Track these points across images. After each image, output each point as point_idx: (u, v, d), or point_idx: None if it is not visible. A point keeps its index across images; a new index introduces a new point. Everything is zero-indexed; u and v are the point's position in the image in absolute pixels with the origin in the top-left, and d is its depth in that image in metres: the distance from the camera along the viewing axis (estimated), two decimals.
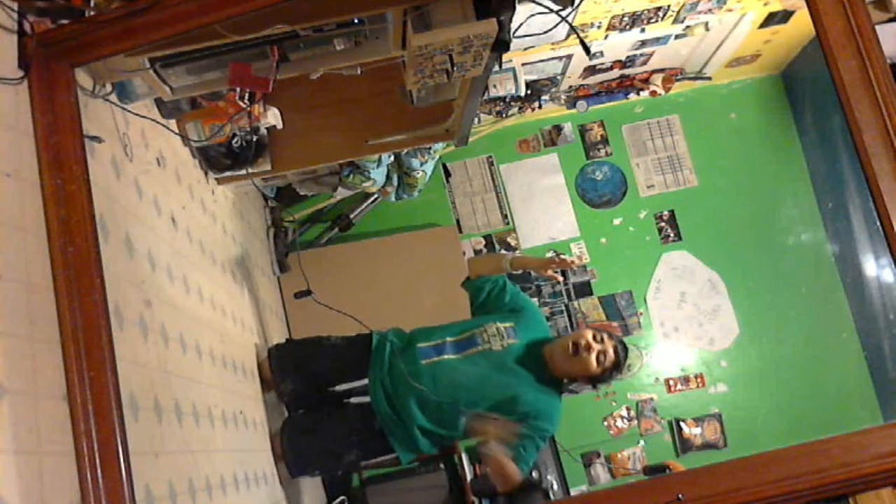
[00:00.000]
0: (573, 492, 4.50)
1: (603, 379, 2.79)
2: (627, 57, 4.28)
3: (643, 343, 4.89)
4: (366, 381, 2.93)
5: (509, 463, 2.59)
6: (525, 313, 2.97)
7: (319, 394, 3.03)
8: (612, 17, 3.71)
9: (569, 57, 4.08)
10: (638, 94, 4.62)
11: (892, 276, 4.47)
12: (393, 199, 4.60)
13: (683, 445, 4.77)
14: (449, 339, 2.88)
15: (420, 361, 2.82)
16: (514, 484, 2.62)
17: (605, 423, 4.80)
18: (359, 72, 2.51)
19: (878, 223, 1.69)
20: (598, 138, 5.08)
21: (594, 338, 2.74)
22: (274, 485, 2.90)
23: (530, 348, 2.83)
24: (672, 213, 5.00)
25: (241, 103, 2.74)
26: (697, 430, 4.79)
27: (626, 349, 2.81)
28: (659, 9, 3.72)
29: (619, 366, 2.77)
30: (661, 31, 3.97)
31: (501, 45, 2.21)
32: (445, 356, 2.83)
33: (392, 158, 4.24)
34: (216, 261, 2.94)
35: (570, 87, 4.55)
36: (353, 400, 3.01)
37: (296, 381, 3.05)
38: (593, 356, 2.71)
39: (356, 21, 2.20)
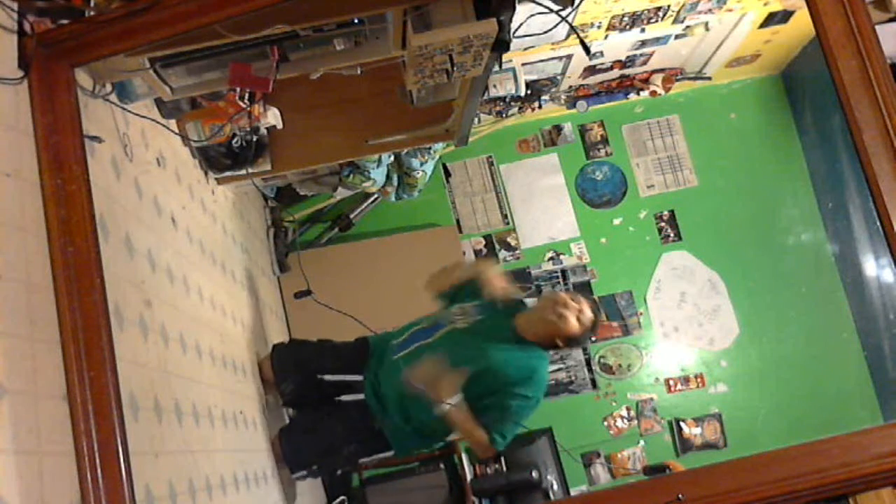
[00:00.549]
0: (573, 492, 4.50)
1: (581, 339, 2.84)
2: (627, 57, 4.28)
3: (643, 343, 4.89)
4: (361, 376, 2.97)
5: (474, 427, 2.68)
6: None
7: (319, 393, 3.05)
8: (612, 17, 3.71)
9: (569, 57, 4.08)
10: (638, 94, 4.62)
11: (892, 276, 4.47)
12: (393, 199, 4.60)
13: (683, 445, 4.77)
14: (416, 328, 2.93)
15: (393, 357, 2.87)
16: (482, 447, 2.70)
17: (605, 423, 4.80)
18: (359, 72, 2.51)
19: (878, 223, 1.69)
20: (598, 138, 5.08)
21: (572, 299, 2.79)
22: (274, 485, 2.90)
23: (500, 319, 2.85)
24: (672, 213, 5.00)
25: (241, 103, 2.74)
26: (697, 430, 4.79)
27: (599, 309, 2.88)
28: (659, 9, 3.72)
29: (595, 325, 2.82)
30: (661, 31, 3.97)
31: (501, 45, 2.21)
32: (414, 345, 2.87)
33: (392, 158, 4.24)
34: (216, 261, 2.94)
35: (570, 87, 4.55)
36: (348, 397, 3.01)
37: (296, 382, 3.06)
38: (573, 315, 2.74)
39: (356, 21, 2.20)
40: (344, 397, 3.00)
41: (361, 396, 2.95)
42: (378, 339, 3.06)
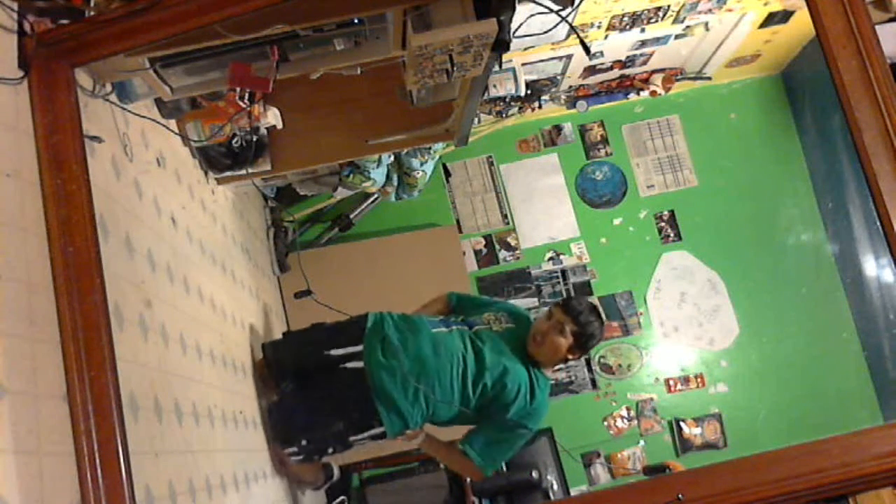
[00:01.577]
0: (573, 492, 4.49)
1: (581, 344, 2.82)
2: (627, 57, 4.28)
3: (643, 343, 4.89)
4: (360, 347, 2.90)
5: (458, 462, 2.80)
6: (514, 311, 3.07)
7: (318, 373, 3.01)
8: (612, 17, 3.71)
9: (569, 57, 4.08)
10: (638, 94, 4.63)
11: (892, 276, 4.47)
12: (393, 199, 4.61)
13: (683, 445, 4.77)
14: (453, 318, 2.99)
15: (429, 329, 2.87)
16: (471, 473, 2.81)
17: (605, 423, 4.80)
18: (359, 72, 2.51)
19: (878, 223, 1.69)
20: (598, 138, 5.08)
21: (546, 317, 2.82)
22: (274, 484, 2.90)
23: (521, 338, 2.88)
24: (672, 213, 5.00)
25: (241, 103, 2.74)
26: (697, 430, 4.79)
27: (573, 303, 2.85)
28: (659, 9, 3.72)
29: (582, 323, 2.79)
30: (661, 31, 3.97)
31: (501, 45, 2.21)
32: (454, 327, 2.91)
33: (392, 158, 4.24)
34: (216, 261, 2.94)
35: (570, 87, 4.55)
36: (348, 365, 2.94)
37: (295, 379, 3.05)
38: (554, 338, 2.77)
39: (356, 21, 2.20)
40: (349, 364, 2.90)
41: (359, 364, 2.87)
42: (380, 315, 2.98)
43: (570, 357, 2.84)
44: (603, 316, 2.90)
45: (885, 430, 1.67)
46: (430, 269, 4.45)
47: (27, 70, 1.68)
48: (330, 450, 2.94)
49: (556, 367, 2.94)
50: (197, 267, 2.64)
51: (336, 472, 3.60)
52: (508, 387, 2.74)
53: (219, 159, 3.10)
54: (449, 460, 2.94)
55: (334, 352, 2.95)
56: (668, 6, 3.71)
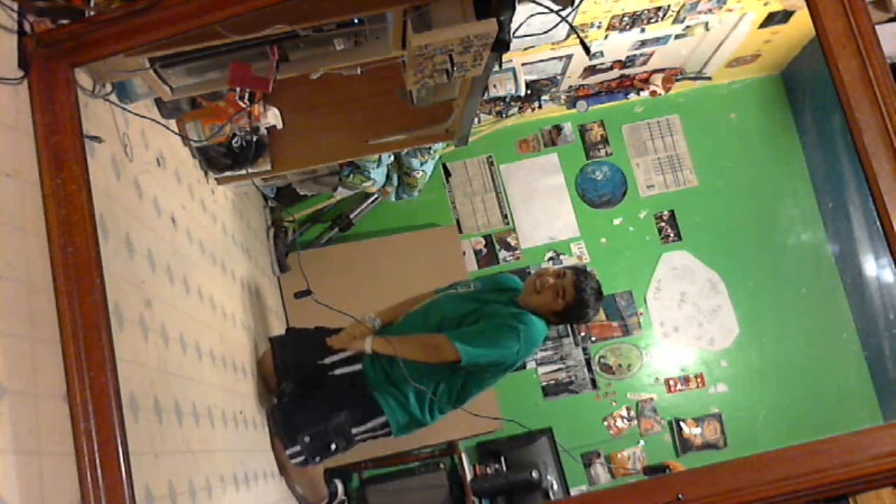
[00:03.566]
0: (573, 492, 4.50)
1: (569, 314, 2.96)
2: (627, 57, 4.28)
3: (643, 343, 4.89)
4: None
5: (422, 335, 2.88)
6: (494, 280, 3.26)
7: (317, 378, 3.07)
8: (612, 17, 3.71)
9: (569, 57, 4.08)
10: (638, 94, 4.62)
11: (892, 276, 4.47)
12: (393, 199, 4.61)
13: (683, 445, 4.77)
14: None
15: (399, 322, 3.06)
16: (442, 347, 2.80)
17: (605, 423, 4.80)
18: (359, 72, 2.51)
19: (878, 223, 1.69)
20: (598, 138, 5.08)
21: (556, 275, 2.93)
22: (274, 484, 2.90)
23: (501, 296, 3.01)
24: (672, 213, 5.00)
25: (241, 103, 2.74)
26: (697, 430, 4.79)
27: (585, 279, 2.95)
28: (659, 9, 3.72)
29: (581, 299, 2.91)
30: (661, 31, 3.97)
31: (501, 45, 2.21)
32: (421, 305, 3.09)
33: (392, 158, 4.24)
34: (216, 261, 2.94)
35: (570, 87, 4.55)
36: (342, 370, 3.03)
37: (298, 380, 3.06)
38: (551, 290, 2.89)
39: (356, 21, 2.21)
40: (338, 371, 3.02)
41: (357, 367, 2.99)
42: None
43: (551, 320, 2.96)
44: (600, 305, 3.03)
45: (885, 430, 1.67)
46: (430, 269, 4.44)
47: (27, 70, 1.68)
48: (333, 446, 2.95)
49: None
50: (197, 267, 2.64)
51: (340, 490, 3.61)
52: (486, 314, 2.88)
53: (219, 159, 3.10)
54: (412, 350, 2.89)
55: (329, 359, 3.05)
56: (668, 6, 3.71)
